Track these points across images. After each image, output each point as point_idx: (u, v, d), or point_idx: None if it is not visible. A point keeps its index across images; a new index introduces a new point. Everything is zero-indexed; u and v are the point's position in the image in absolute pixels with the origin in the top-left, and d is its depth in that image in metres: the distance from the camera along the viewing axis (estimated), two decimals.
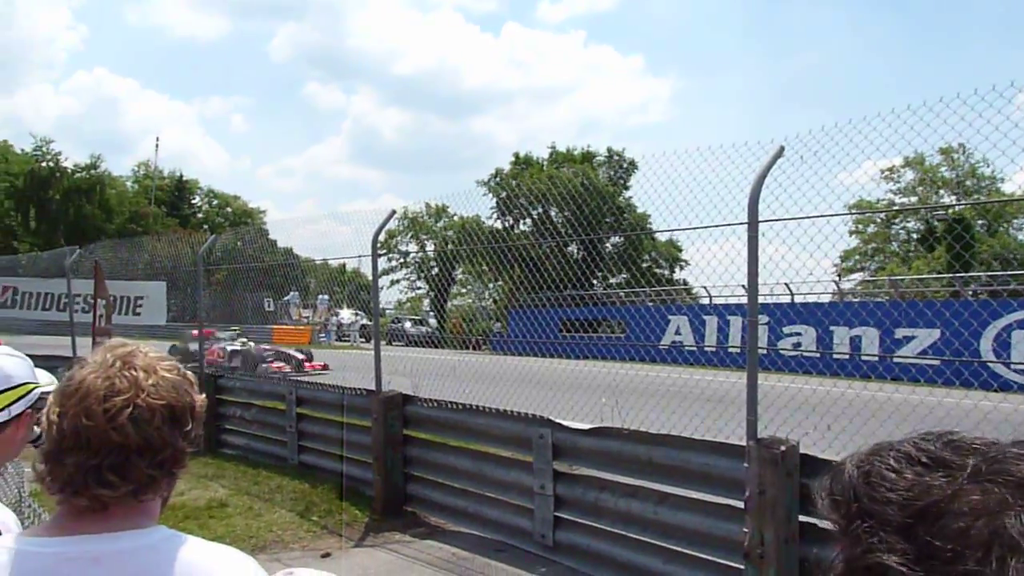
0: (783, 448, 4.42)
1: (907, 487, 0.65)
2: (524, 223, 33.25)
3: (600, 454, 5.72)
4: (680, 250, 32.58)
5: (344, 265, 11.37)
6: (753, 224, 4.69)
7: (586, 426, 5.83)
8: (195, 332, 12.18)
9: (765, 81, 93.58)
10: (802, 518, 4.45)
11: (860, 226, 37.66)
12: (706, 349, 15.12)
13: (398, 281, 35.12)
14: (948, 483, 0.64)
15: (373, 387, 7.60)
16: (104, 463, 1.17)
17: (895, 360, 13.13)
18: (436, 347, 10.55)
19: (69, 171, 53.12)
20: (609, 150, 47.57)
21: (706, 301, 18.91)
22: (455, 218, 42.03)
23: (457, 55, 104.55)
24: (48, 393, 1.38)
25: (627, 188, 41.77)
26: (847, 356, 14.24)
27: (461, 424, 6.90)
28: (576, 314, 14.25)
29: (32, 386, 1.81)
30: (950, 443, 0.68)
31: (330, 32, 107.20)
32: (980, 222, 32.18)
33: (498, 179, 44.40)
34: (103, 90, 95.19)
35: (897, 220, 38.64)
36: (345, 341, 20.26)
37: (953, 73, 66.13)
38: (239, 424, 10.00)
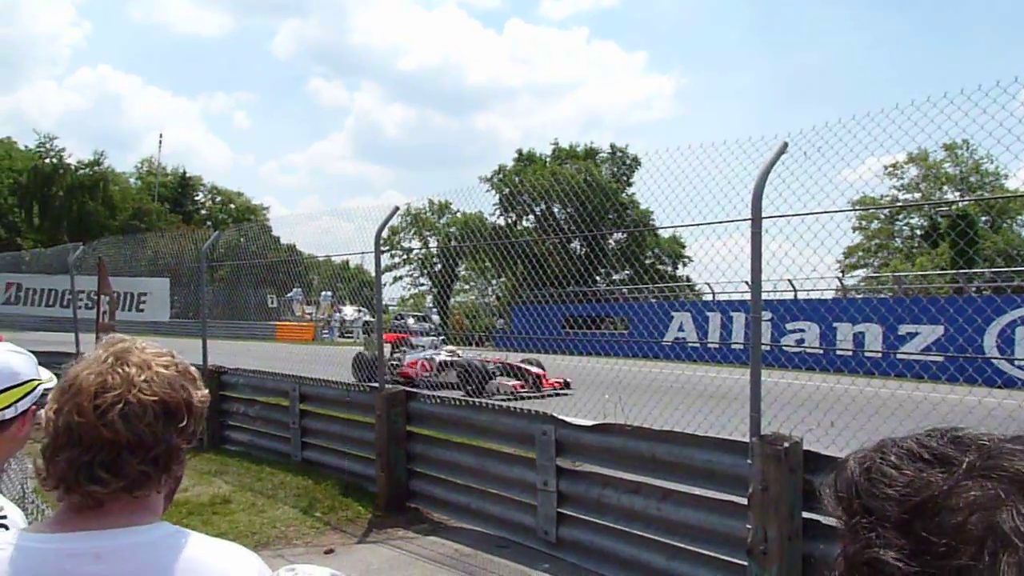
0: (786, 444, 4.42)
1: (906, 483, 0.65)
2: (527, 219, 33.29)
3: (603, 450, 5.71)
4: (683, 246, 32.59)
5: (347, 262, 11.34)
6: (756, 220, 4.68)
7: (589, 422, 5.82)
8: (387, 336, 10.10)
9: (769, 77, 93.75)
10: (805, 514, 4.45)
11: (864, 222, 37.66)
12: (709, 346, 15.08)
13: (401, 278, 35.14)
14: (945, 479, 0.64)
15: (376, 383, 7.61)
16: (95, 459, 1.17)
17: (898, 356, 13.13)
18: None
19: (73, 168, 53.32)
20: (612, 147, 47.64)
21: (709, 297, 18.90)
22: (458, 215, 42.13)
23: (460, 51, 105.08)
24: (50, 390, 1.38)
25: (630, 185, 41.83)
26: (850, 352, 14.21)
27: (464, 420, 6.91)
28: (579, 311, 14.23)
29: (37, 382, 1.83)
30: (954, 439, 0.68)
31: (334, 28, 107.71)
32: (984, 218, 32.13)
33: (501, 175, 44.48)
34: (107, 87, 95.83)
35: (901, 216, 38.61)
36: (348, 338, 20.25)
37: (957, 69, 66.21)
38: (242, 420, 10.03)
